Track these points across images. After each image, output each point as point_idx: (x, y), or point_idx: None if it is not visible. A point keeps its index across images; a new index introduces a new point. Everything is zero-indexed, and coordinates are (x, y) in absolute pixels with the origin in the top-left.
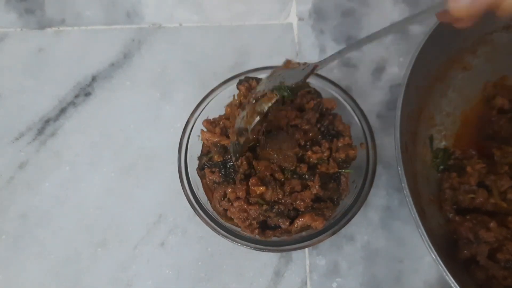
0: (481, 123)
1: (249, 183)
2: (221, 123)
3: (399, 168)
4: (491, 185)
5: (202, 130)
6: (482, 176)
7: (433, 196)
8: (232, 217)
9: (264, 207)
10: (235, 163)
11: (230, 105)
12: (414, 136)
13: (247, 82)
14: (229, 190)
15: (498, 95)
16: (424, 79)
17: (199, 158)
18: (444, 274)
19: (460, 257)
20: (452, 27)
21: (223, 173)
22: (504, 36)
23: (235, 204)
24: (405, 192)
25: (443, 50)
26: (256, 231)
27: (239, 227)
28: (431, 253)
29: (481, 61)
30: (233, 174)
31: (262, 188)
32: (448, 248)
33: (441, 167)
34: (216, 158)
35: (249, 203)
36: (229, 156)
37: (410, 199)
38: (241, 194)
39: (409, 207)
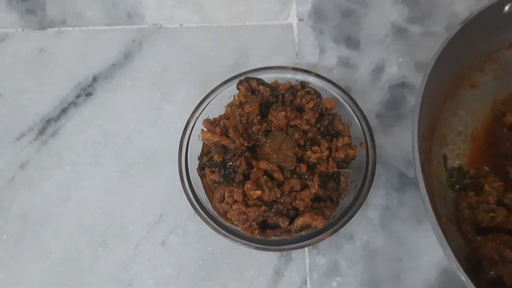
0: (492, 140)
1: (245, 188)
2: (221, 123)
3: (421, 190)
4: (509, 204)
5: (202, 130)
6: (500, 195)
7: (451, 216)
8: (232, 219)
9: (263, 208)
10: (234, 163)
11: (230, 105)
12: (429, 155)
13: (247, 82)
14: (227, 194)
15: (508, 112)
16: (436, 97)
17: (200, 158)
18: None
19: (486, 278)
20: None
21: (223, 173)
22: (510, 53)
23: (234, 207)
24: (428, 213)
25: (453, 67)
26: (257, 231)
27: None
28: (462, 275)
29: (489, 78)
30: (232, 174)
31: (258, 192)
32: (471, 269)
33: (457, 186)
34: (216, 158)
35: (247, 206)
36: (229, 156)
37: (435, 219)
38: (238, 197)
39: (434, 227)
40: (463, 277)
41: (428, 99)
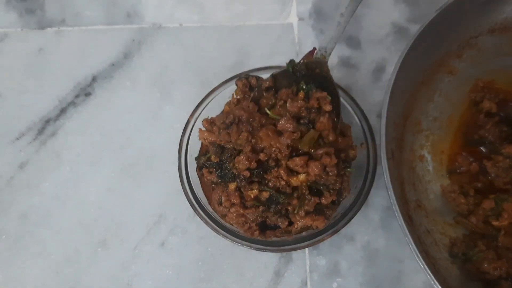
0: (468, 127)
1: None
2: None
3: (385, 176)
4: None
5: (200, 129)
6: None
7: (420, 202)
8: (231, 222)
9: (261, 208)
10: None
11: (229, 104)
12: (401, 142)
13: (246, 79)
14: (224, 198)
15: (485, 99)
16: (410, 84)
17: (198, 158)
18: (432, 282)
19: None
20: (438, 30)
21: (219, 173)
22: (488, 39)
23: (232, 210)
24: (391, 201)
25: (429, 54)
26: (256, 233)
27: None
28: (418, 260)
29: (467, 65)
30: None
31: (254, 192)
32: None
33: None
34: (213, 158)
35: (245, 207)
36: (225, 157)
37: (397, 207)
38: (235, 200)
39: (396, 215)
40: (420, 263)
41: (402, 86)
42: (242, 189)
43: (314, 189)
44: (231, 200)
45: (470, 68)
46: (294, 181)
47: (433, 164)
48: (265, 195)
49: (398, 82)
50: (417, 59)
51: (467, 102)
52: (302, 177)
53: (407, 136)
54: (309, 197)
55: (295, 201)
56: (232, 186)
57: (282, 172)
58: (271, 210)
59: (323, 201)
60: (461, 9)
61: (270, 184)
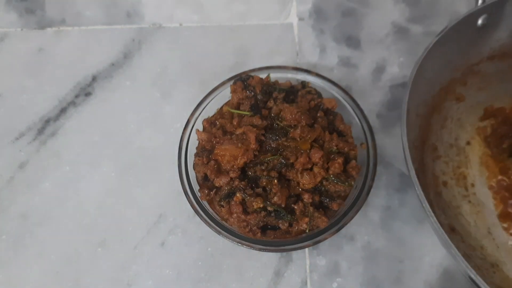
0: (493, 141)
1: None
2: (217, 123)
3: (417, 190)
4: None
5: (197, 130)
6: None
7: (452, 225)
8: (232, 226)
9: (263, 213)
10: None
11: (228, 104)
12: (422, 166)
13: (242, 81)
14: (224, 210)
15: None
16: (422, 108)
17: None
18: None
19: None
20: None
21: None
22: (490, 66)
23: (233, 216)
24: (432, 222)
25: (435, 80)
26: (258, 234)
27: None
28: (471, 273)
29: (473, 91)
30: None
31: (260, 204)
32: None
33: None
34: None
35: (246, 213)
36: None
37: (435, 218)
38: (238, 209)
39: (442, 243)
40: (473, 275)
41: (415, 109)
42: (246, 202)
43: (317, 201)
44: (233, 212)
45: (476, 94)
46: (309, 177)
47: (458, 189)
48: (270, 209)
49: (412, 102)
50: (424, 84)
51: (480, 129)
52: (316, 169)
53: (426, 160)
54: (317, 214)
55: (306, 219)
56: (237, 198)
57: (298, 174)
58: (272, 215)
59: (334, 207)
60: (458, 34)
61: (272, 200)
